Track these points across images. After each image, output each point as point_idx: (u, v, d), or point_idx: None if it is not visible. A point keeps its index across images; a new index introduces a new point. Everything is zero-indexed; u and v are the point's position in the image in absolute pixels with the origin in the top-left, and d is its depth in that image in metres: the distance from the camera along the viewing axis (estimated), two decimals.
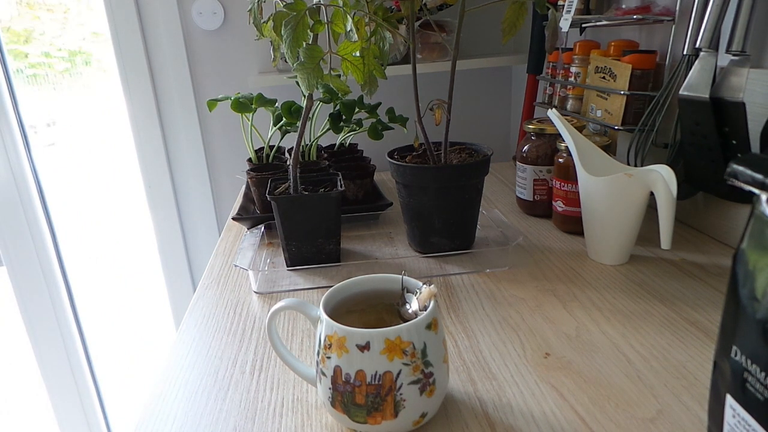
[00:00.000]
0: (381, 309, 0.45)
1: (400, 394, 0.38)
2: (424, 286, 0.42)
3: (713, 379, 0.33)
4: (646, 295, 0.59)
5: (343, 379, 0.38)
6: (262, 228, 0.82)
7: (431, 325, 0.40)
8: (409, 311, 0.42)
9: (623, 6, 0.85)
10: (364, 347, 0.37)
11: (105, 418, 1.78)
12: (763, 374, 0.27)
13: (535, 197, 0.83)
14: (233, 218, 0.88)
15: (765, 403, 0.27)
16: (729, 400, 0.30)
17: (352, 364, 0.38)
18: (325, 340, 0.39)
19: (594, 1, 0.89)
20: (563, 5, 0.85)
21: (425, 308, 0.41)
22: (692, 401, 0.42)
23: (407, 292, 0.44)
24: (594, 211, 0.66)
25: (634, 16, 0.76)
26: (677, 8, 0.73)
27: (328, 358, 0.39)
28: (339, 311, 0.43)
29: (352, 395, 0.38)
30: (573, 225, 0.75)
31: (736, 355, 0.29)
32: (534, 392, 0.45)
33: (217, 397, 0.47)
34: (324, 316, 0.40)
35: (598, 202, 0.65)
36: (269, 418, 0.44)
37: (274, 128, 0.87)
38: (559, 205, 0.76)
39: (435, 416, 0.43)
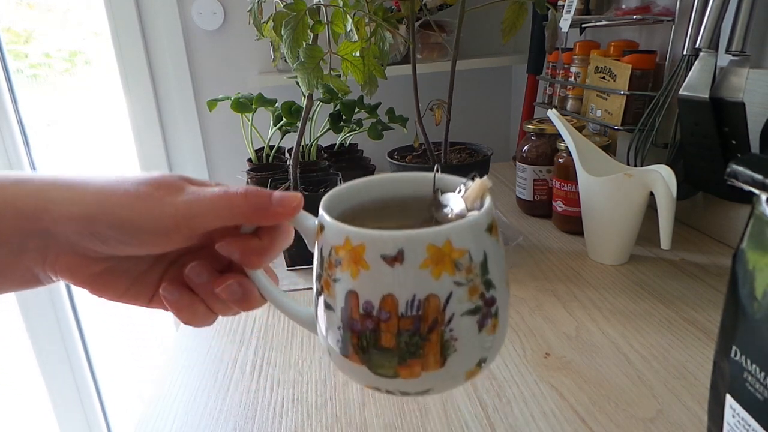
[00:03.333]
0: (407, 218, 0.32)
1: (450, 330, 0.26)
2: (470, 181, 0.30)
3: (713, 379, 0.33)
4: (646, 295, 0.59)
5: (362, 311, 0.26)
6: None
7: (492, 227, 0.28)
8: (449, 215, 0.30)
9: (623, 6, 0.85)
10: (395, 259, 0.25)
11: (105, 417, 1.78)
12: (762, 374, 0.27)
13: (535, 197, 0.83)
14: None
15: (765, 403, 0.27)
16: (729, 399, 0.30)
17: (377, 286, 0.26)
18: (330, 255, 0.27)
19: (594, 2, 0.89)
20: (563, 5, 0.85)
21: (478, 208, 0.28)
22: (692, 401, 0.42)
23: (443, 193, 0.32)
24: (594, 211, 0.66)
25: (634, 17, 0.76)
26: (677, 8, 0.73)
27: (336, 281, 0.27)
28: (347, 221, 0.29)
29: (375, 335, 0.26)
30: (573, 225, 0.75)
31: (735, 355, 0.29)
32: (534, 392, 0.45)
33: (217, 397, 0.47)
34: (327, 219, 0.27)
35: (598, 202, 0.65)
36: (269, 418, 0.44)
37: (274, 128, 0.87)
38: (559, 205, 0.76)
39: (434, 415, 0.43)
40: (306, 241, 0.31)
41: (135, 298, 0.32)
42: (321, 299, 0.29)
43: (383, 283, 0.26)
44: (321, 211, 0.29)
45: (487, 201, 0.28)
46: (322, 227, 0.28)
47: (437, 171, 0.32)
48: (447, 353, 0.27)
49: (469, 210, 0.29)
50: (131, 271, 0.32)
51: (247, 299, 0.31)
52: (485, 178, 0.29)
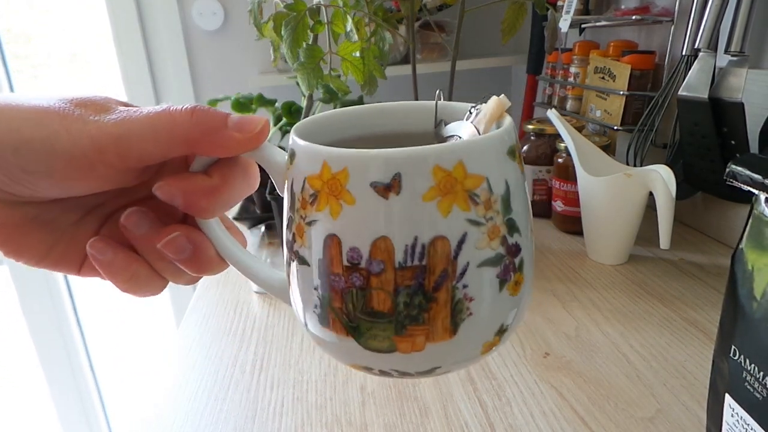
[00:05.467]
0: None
1: (464, 287, 0.20)
2: (482, 101, 0.24)
3: (712, 378, 0.33)
4: (646, 294, 0.59)
5: (346, 262, 0.20)
6: (263, 228, 0.82)
7: (514, 151, 0.22)
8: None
9: (622, 6, 0.85)
10: (390, 187, 0.19)
11: (105, 417, 1.78)
12: (761, 374, 0.27)
13: (535, 197, 0.84)
14: (234, 218, 0.88)
15: (763, 403, 0.27)
16: (728, 399, 0.31)
17: (365, 226, 0.19)
18: (303, 190, 0.21)
19: (593, 2, 0.89)
20: (562, 6, 0.85)
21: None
22: (691, 401, 0.42)
23: (446, 124, 0.25)
24: (593, 211, 0.66)
25: (633, 17, 0.76)
26: (676, 9, 0.74)
27: (311, 224, 0.21)
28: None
29: (364, 294, 0.20)
30: (572, 225, 0.75)
31: (734, 355, 0.29)
32: (534, 392, 0.45)
33: (217, 397, 0.47)
34: (299, 142, 0.21)
35: (597, 202, 0.65)
36: (269, 417, 0.44)
37: (274, 128, 0.87)
38: (558, 205, 0.76)
39: (434, 415, 0.43)
40: (275, 182, 0.24)
41: (61, 261, 0.25)
42: (292, 252, 0.22)
43: (374, 222, 0.19)
44: (292, 136, 0.22)
45: (507, 120, 0.22)
46: (292, 155, 0.22)
47: (439, 99, 0.25)
48: (460, 318, 0.20)
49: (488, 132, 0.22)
50: (55, 224, 0.24)
51: (199, 258, 0.24)
52: (502, 96, 0.23)
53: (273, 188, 0.70)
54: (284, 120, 0.85)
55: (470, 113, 0.24)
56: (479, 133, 0.22)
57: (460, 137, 0.23)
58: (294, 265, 0.22)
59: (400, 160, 0.19)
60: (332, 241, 0.20)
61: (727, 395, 0.31)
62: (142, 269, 0.25)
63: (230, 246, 0.25)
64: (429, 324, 0.20)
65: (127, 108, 0.23)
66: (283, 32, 0.55)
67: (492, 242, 0.20)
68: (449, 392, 0.45)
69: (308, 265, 0.21)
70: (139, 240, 0.24)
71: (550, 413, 0.42)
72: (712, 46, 0.62)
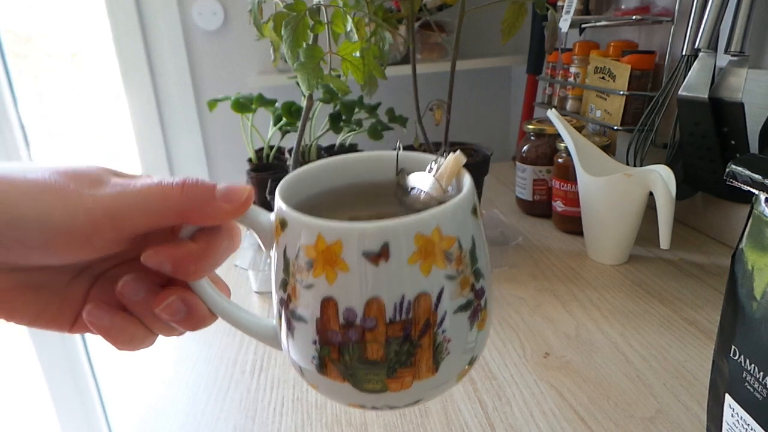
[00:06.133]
0: (372, 204, 0.29)
1: (443, 332, 0.23)
2: (441, 156, 0.27)
3: (712, 378, 0.33)
4: (646, 294, 0.59)
5: (343, 321, 0.22)
6: None
7: (476, 209, 0.25)
8: (421, 196, 0.26)
9: (622, 6, 0.85)
10: (380, 255, 0.21)
11: (105, 417, 1.78)
12: (761, 373, 0.27)
13: (535, 197, 0.84)
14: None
15: (763, 403, 0.27)
16: (728, 399, 0.31)
17: (359, 289, 0.22)
18: (297, 257, 0.23)
19: (593, 2, 0.89)
20: (562, 6, 0.85)
21: (450, 191, 0.26)
22: (691, 401, 0.42)
23: (408, 174, 0.27)
24: (593, 211, 0.66)
25: (633, 17, 0.76)
26: (676, 9, 0.74)
27: (308, 287, 0.23)
28: (305, 212, 0.25)
29: (360, 346, 0.23)
30: (572, 225, 0.75)
31: (734, 355, 0.29)
32: (533, 392, 0.45)
33: (217, 397, 0.47)
34: (291, 213, 0.23)
35: (597, 202, 0.65)
36: (269, 417, 0.44)
37: (274, 128, 0.87)
38: (558, 205, 0.76)
39: (434, 416, 0.43)
40: (260, 241, 0.26)
41: (52, 322, 0.25)
42: (288, 310, 0.24)
43: (367, 286, 0.22)
44: (279, 203, 0.24)
45: (466, 179, 0.25)
46: (284, 223, 0.24)
47: (399, 149, 0.28)
48: (440, 357, 0.24)
49: (444, 190, 0.25)
50: (47, 286, 0.25)
51: (192, 317, 0.26)
52: (458, 152, 0.26)
53: (273, 189, 0.70)
54: (284, 120, 0.85)
55: (431, 167, 0.26)
56: (442, 187, 0.25)
57: (422, 190, 0.26)
58: (289, 320, 0.24)
59: (388, 231, 0.21)
60: (329, 303, 0.22)
61: (727, 395, 0.31)
62: (139, 330, 0.26)
63: (220, 302, 0.26)
64: (415, 366, 0.23)
65: (120, 181, 0.23)
66: (283, 32, 0.55)
67: (464, 291, 0.24)
68: (449, 392, 0.45)
69: (305, 322, 0.23)
70: (135, 304, 0.25)
71: (550, 413, 0.42)
72: (712, 46, 0.62)
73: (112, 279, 0.26)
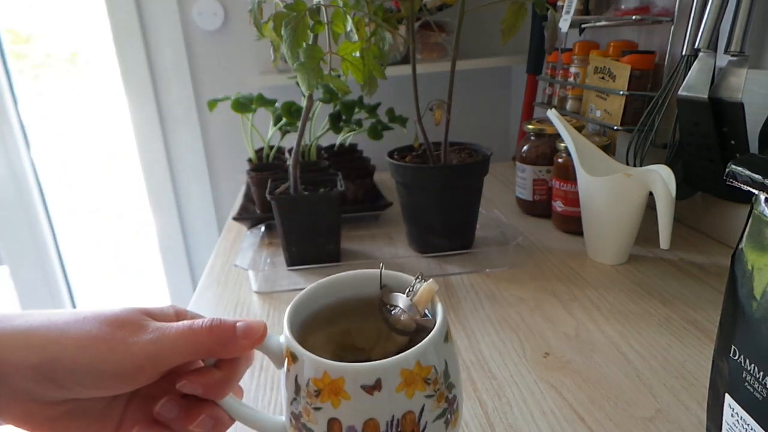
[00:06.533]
0: (361, 318, 0.35)
1: None
2: (418, 282, 0.33)
3: (712, 378, 0.33)
4: (645, 294, 0.59)
5: None
6: (262, 228, 0.82)
7: (447, 335, 0.31)
8: (401, 317, 0.32)
9: (622, 6, 0.85)
10: (374, 387, 0.28)
11: None
12: (761, 373, 0.27)
13: (535, 197, 0.84)
14: (234, 218, 0.88)
15: (763, 402, 0.27)
16: (727, 399, 0.31)
17: (359, 413, 0.28)
18: (308, 385, 0.29)
19: (593, 2, 0.89)
20: (562, 6, 0.85)
21: (426, 313, 0.32)
22: (691, 400, 0.43)
23: (391, 291, 0.34)
24: (593, 211, 0.66)
25: (633, 17, 0.76)
26: (676, 9, 0.74)
27: (317, 409, 0.29)
28: (308, 330, 0.34)
29: None
30: (572, 225, 0.75)
31: (734, 355, 0.29)
32: (533, 392, 0.45)
33: None
34: (303, 352, 0.29)
35: (597, 202, 0.65)
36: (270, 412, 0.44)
37: (274, 128, 0.87)
38: (558, 205, 0.77)
39: None
40: (272, 361, 0.32)
41: None
42: (300, 422, 0.30)
43: (364, 410, 0.28)
44: (289, 337, 0.30)
45: (439, 307, 0.31)
46: (295, 357, 0.29)
47: (382, 268, 0.34)
48: None
49: (421, 314, 0.32)
50: (91, 410, 0.30)
51: (218, 426, 0.31)
52: (431, 281, 0.32)
53: (273, 189, 0.70)
54: (284, 120, 0.85)
55: (409, 291, 0.33)
56: (419, 311, 0.32)
57: (402, 309, 0.32)
58: (301, 430, 0.30)
59: (379, 369, 0.28)
60: (334, 422, 0.28)
61: (727, 395, 0.31)
62: None
63: (240, 409, 0.32)
64: None
65: (158, 326, 0.29)
66: (283, 32, 0.55)
67: (440, 403, 0.30)
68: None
69: None
70: (170, 421, 0.30)
71: (550, 413, 0.42)
72: (712, 46, 0.62)
73: (144, 397, 0.31)
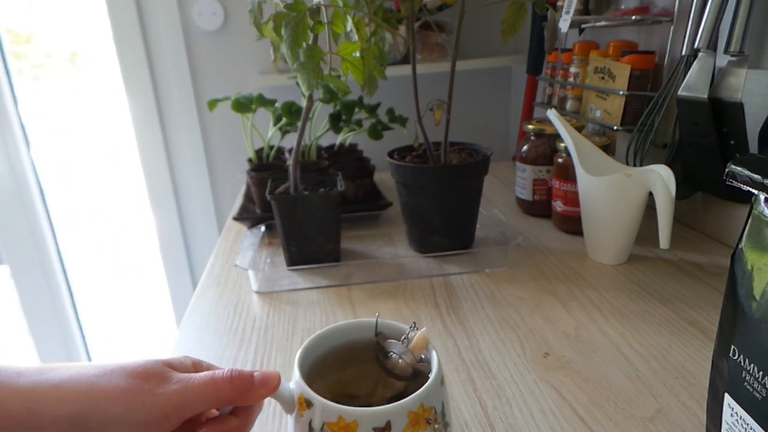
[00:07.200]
0: (358, 365, 0.39)
1: None
2: (412, 330, 0.36)
3: (711, 378, 0.33)
4: (645, 294, 0.59)
5: None
6: (262, 228, 0.82)
7: (442, 378, 0.34)
8: (399, 362, 0.36)
9: (622, 7, 0.85)
10: (384, 429, 0.31)
11: None
12: (761, 373, 0.27)
13: (535, 197, 0.84)
14: (234, 218, 0.88)
15: (763, 402, 0.27)
16: (727, 399, 0.31)
17: None
18: (323, 430, 0.32)
19: (593, 2, 0.89)
20: (562, 6, 0.85)
21: (422, 358, 0.35)
22: (691, 400, 0.43)
23: (386, 339, 0.37)
24: (593, 210, 0.66)
25: (633, 17, 0.76)
26: (676, 9, 0.74)
27: None
28: (315, 375, 0.37)
29: None
30: (572, 225, 0.76)
31: (734, 355, 0.29)
32: (533, 391, 0.45)
33: None
34: (317, 399, 0.32)
35: (597, 202, 0.65)
36: (269, 417, 0.44)
37: (274, 128, 0.87)
38: (558, 205, 0.77)
39: None
40: (282, 406, 0.34)
41: None
42: None
43: None
44: (303, 384, 0.33)
45: (433, 353, 0.34)
46: (309, 403, 0.32)
47: (378, 317, 0.38)
48: None
49: (417, 360, 0.35)
50: None
51: None
52: (424, 329, 0.35)
53: (273, 189, 0.70)
54: (284, 120, 0.85)
55: (405, 339, 0.36)
56: (414, 357, 0.35)
57: (400, 357, 0.35)
58: None
59: (389, 412, 0.31)
60: None
61: (726, 395, 0.31)
62: None
63: None
64: None
65: (181, 377, 0.31)
66: (283, 32, 0.55)
67: None
68: (449, 392, 0.45)
69: None
70: None
71: (550, 413, 0.42)
72: (712, 46, 0.62)
73: None
